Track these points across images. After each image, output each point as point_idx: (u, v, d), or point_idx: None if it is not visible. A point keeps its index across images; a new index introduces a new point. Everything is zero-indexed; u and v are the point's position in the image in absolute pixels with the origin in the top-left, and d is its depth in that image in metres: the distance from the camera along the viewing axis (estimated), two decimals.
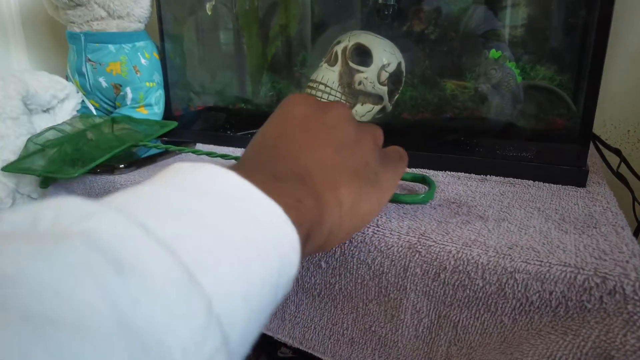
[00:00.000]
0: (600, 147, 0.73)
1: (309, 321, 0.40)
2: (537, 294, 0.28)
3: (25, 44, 0.82)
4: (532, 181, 0.46)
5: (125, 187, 0.51)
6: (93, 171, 0.54)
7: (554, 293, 0.28)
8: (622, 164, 0.70)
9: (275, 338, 0.43)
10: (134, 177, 0.52)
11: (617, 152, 0.72)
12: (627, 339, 0.25)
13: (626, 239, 0.31)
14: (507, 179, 0.47)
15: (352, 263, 0.36)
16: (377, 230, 0.34)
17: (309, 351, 0.41)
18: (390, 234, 0.34)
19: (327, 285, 0.38)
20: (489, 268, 0.30)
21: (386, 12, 0.70)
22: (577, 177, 0.44)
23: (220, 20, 0.81)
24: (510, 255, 0.29)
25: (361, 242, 0.35)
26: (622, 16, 0.70)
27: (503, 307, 0.30)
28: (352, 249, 0.35)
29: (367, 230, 0.35)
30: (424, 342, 0.34)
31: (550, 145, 0.51)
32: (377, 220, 0.36)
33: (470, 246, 0.31)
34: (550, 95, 0.53)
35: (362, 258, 0.35)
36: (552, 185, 0.45)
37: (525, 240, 0.31)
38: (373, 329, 0.37)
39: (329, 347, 0.40)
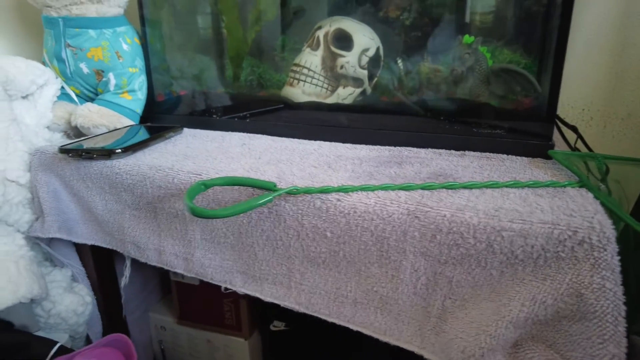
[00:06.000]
0: (560, 124, 0.80)
1: (314, 287, 0.44)
2: (521, 248, 0.33)
3: None
4: (505, 155, 0.51)
5: (126, 171, 0.53)
6: (89, 156, 0.55)
7: (535, 246, 0.33)
8: (579, 139, 0.78)
9: (282, 305, 0.47)
10: (131, 160, 0.54)
11: (574, 129, 0.79)
12: (593, 279, 0.31)
13: (590, 200, 0.37)
14: (483, 154, 0.52)
15: (356, 231, 0.40)
16: (379, 201, 0.38)
17: (315, 314, 0.45)
18: (391, 203, 0.38)
19: (332, 253, 0.42)
20: (479, 228, 0.34)
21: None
22: (545, 151, 0.50)
23: (201, 5, 0.81)
24: (497, 216, 0.34)
25: (364, 211, 0.39)
26: (577, 9, 0.76)
27: (492, 262, 0.35)
28: (356, 218, 0.39)
29: (369, 201, 0.39)
30: (422, 298, 0.39)
31: (520, 123, 0.56)
32: (377, 192, 0.40)
33: (462, 210, 0.35)
34: (518, 77, 0.59)
35: (365, 226, 0.39)
36: (524, 158, 0.50)
37: (508, 204, 0.36)
38: (375, 289, 0.41)
39: (334, 309, 0.44)
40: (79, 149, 0.55)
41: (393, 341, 0.41)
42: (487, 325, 0.34)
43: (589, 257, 0.31)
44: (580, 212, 0.34)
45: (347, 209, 0.39)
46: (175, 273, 0.76)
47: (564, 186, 0.40)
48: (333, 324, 0.62)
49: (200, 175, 0.47)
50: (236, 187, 0.44)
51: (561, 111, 0.83)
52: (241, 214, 0.45)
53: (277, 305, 0.63)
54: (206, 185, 0.43)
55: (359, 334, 0.56)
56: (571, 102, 0.81)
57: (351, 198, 0.40)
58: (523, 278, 0.34)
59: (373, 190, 0.40)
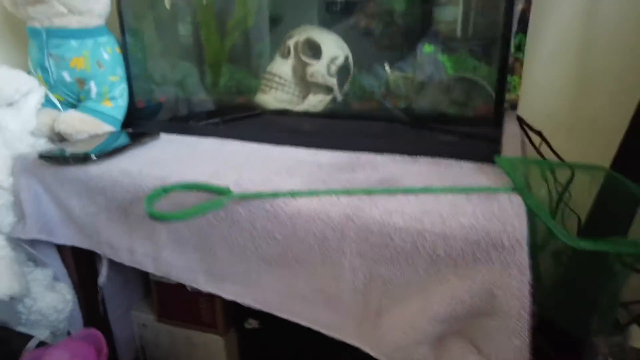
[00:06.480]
0: (525, 129, 0.83)
1: (268, 285, 0.47)
2: (442, 249, 0.36)
3: None
4: (455, 160, 0.54)
5: (99, 176, 0.56)
6: (66, 162, 0.58)
7: (454, 248, 0.36)
8: (543, 143, 0.80)
9: (240, 302, 0.50)
10: (106, 166, 0.57)
11: (539, 133, 0.82)
12: (503, 278, 0.34)
13: (516, 205, 0.40)
14: (434, 159, 0.55)
15: (301, 233, 0.43)
16: (321, 204, 0.42)
17: (269, 311, 0.48)
18: (331, 206, 0.41)
19: (282, 254, 0.45)
20: (404, 230, 0.37)
21: (335, 9, 0.76)
22: (492, 156, 0.53)
23: (180, 15, 0.85)
24: (422, 219, 0.37)
25: (308, 215, 0.42)
26: (542, 20, 0.79)
27: (418, 262, 0.38)
28: (301, 221, 0.42)
29: (312, 205, 0.42)
30: (361, 295, 0.42)
31: (474, 129, 0.59)
32: (321, 196, 0.43)
33: (391, 213, 0.38)
34: (474, 86, 0.61)
35: (309, 228, 0.42)
36: (474, 163, 0.53)
37: (436, 208, 0.39)
38: (321, 287, 0.44)
39: (286, 305, 0.47)
40: (56, 156, 0.59)
41: (337, 336, 0.44)
42: (414, 320, 0.37)
43: (500, 258, 0.34)
44: (499, 217, 0.37)
45: (293, 212, 0.42)
46: None
47: (496, 191, 0.43)
48: None
49: (164, 179, 0.50)
50: (191, 193, 0.47)
51: (529, 117, 0.85)
52: (200, 217, 0.48)
53: None
54: (166, 190, 0.46)
55: None
56: (537, 108, 0.84)
57: (297, 202, 0.43)
58: (445, 277, 0.37)
59: (318, 195, 0.43)
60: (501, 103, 0.53)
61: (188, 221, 0.50)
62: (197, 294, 0.75)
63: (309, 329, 0.70)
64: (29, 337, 0.56)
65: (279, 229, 0.44)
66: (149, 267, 0.56)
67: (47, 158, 0.59)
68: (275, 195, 0.43)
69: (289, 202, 0.43)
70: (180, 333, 0.81)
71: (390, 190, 0.43)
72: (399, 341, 0.38)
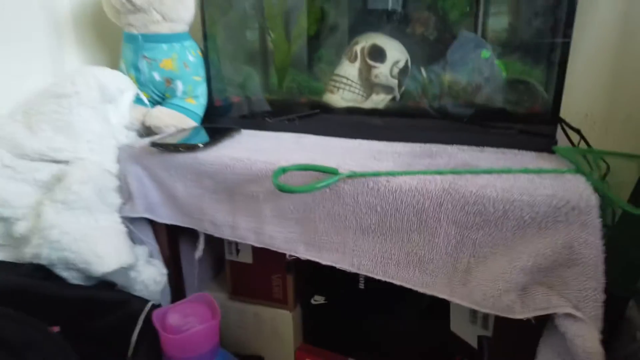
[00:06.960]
0: (565, 127, 0.91)
1: (364, 252, 0.56)
2: (528, 215, 0.45)
3: (76, 44, 0.93)
4: (517, 150, 0.63)
5: (209, 162, 0.65)
6: (175, 149, 0.68)
7: (538, 213, 0.45)
8: (582, 141, 0.89)
9: (337, 267, 0.58)
10: (213, 153, 0.66)
11: (578, 131, 0.90)
12: (581, 234, 0.42)
13: (582, 182, 0.48)
14: (499, 149, 0.63)
15: (401, 205, 0.51)
16: (420, 181, 0.50)
17: (365, 274, 0.57)
18: (429, 182, 0.50)
19: (380, 224, 0.54)
20: (497, 200, 0.46)
21: (393, 17, 0.86)
22: (550, 147, 0.62)
23: (250, 23, 0.94)
24: (511, 191, 0.46)
25: (408, 189, 0.51)
26: (581, 20, 0.88)
27: (506, 226, 0.47)
28: (401, 195, 0.51)
29: (412, 182, 0.51)
30: (452, 257, 0.51)
31: (530, 124, 0.67)
32: (417, 175, 0.52)
33: (484, 187, 0.47)
34: (528, 86, 0.70)
35: (408, 201, 0.51)
36: (532, 152, 0.62)
37: (519, 183, 0.48)
38: (414, 251, 0.53)
39: (380, 269, 0.55)
40: (168, 144, 0.68)
41: (428, 292, 0.52)
42: (503, 273, 0.46)
43: (578, 219, 0.43)
44: (573, 189, 0.46)
45: (395, 187, 0.51)
46: (230, 252, 0.88)
47: (564, 172, 0.52)
48: (366, 299, 0.74)
49: (273, 164, 0.59)
50: (298, 173, 0.56)
51: (567, 117, 0.93)
52: (306, 195, 0.57)
53: (318, 282, 0.76)
54: (284, 170, 0.55)
55: (388, 306, 0.68)
56: (575, 109, 0.92)
57: (397, 180, 0.52)
58: (530, 237, 0.46)
59: (414, 174, 0.52)
60: (558, 101, 0.62)
61: (293, 199, 0.59)
62: (270, 271, 0.84)
63: (370, 304, 0.79)
64: (145, 300, 0.65)
65: (380, 203, 0.53)
66: (250, 239, 0.65)
67: (159, 146, 0.68)
68: (377, 174, 0.52)
69: (391, 179, 0.52)
70: (249, 309, 0.90)
71: (475, 171, 0.52)
72: (489, 290, 0.47)
